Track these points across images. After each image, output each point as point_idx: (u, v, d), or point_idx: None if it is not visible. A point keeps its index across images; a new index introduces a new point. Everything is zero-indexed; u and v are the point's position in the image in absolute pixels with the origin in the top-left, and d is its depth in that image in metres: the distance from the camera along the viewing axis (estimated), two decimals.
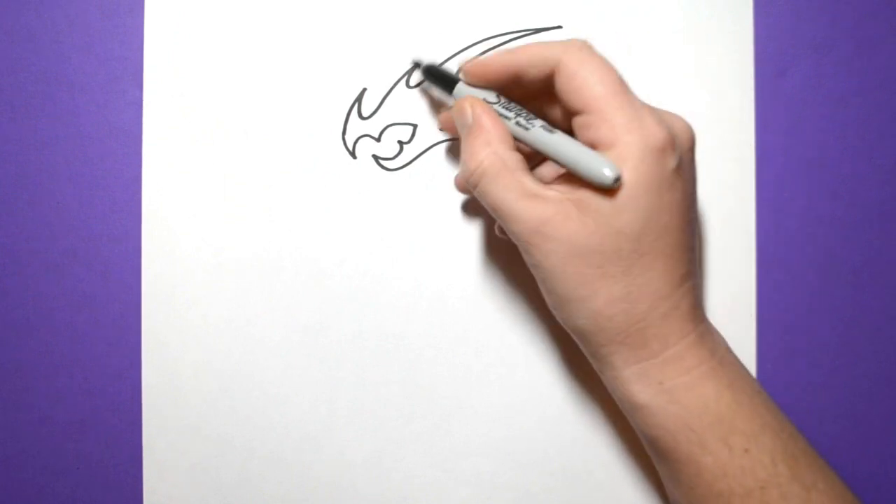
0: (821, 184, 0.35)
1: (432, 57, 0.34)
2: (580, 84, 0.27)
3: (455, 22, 0.34)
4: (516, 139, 0.29)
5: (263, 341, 0.35)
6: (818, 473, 0.28)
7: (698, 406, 0.27)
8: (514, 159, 0.28)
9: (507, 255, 0.35)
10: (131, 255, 0.35)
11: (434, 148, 0.35)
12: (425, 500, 0.35)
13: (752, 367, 0.35)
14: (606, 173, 0.25)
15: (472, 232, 0.35)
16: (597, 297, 0.27)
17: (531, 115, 0.29)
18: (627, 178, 0.26)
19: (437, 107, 0.34)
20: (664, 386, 0.27)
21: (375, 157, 0.35)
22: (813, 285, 0.35)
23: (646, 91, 0.34)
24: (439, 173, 0.35)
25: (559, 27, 0.34)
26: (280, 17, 0.34)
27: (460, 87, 0.31)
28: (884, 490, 0.35)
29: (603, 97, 0.26)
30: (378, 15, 0.34)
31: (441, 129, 0.34)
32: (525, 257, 0.29)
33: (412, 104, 0.35)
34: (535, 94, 0.30)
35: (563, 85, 0.27)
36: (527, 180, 0.27)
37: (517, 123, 0.28)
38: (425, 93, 0.34)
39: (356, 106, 0.35)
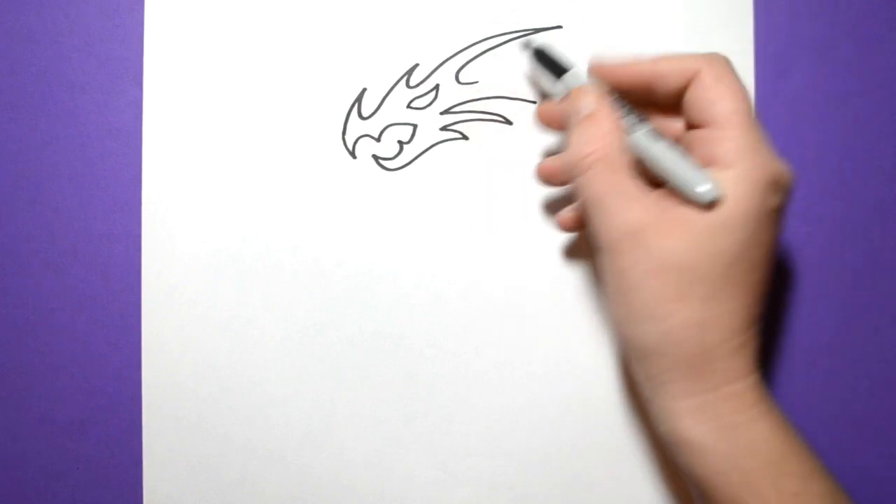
0: (821, 184, 0.35)
1: (543, 40, 0.32)
2: (714, 98, 0.26)
3: (455, 22, 0.34)
4: None
5: (263, 341, 0.35)
6: None
7: (751, 446, 0.26)
8: (625, 159, 0.27)
9: (507, 255, 0.35)
10: (131, 255, 0.35)
11: (434, 148, 0.35)
12: (425, 500, 0.35)
13: None
14: (701, 190, 0.25)
15: (471, 232, 0.35)
16: (674, 318, 0.26)
17: (643, 117, 0.28)
18: (737, 203, 0.25)
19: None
20: (720, 422, 0.26)
21: (375, 157, 0.35)
22: (813, 285, 0.35)
23: None
24: (439, 173, 0.35)
25: (559, 27, 0.34)
26: (280, 17, 0.34)
27: (570, 77, 0.30)
28: (884, 490, 0.35)
29: (733, 116, 0.26)
30: (378, 15, 0.34)
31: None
32: (606, 261, 0.28)
33: (412, 104, 0.35)
34: (653, 102, 0.30)
35: (696, 95, 0.27)
36: (633, 182, 0.27)
37: (629, 121, 0.28)
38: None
39: (356, 106, 0.35)
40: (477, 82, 0.34)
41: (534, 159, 0.34)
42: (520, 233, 0.35)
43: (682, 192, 0.26)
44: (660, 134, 0.28)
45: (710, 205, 0.25)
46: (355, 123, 0.35)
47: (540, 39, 0.32)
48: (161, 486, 0.35)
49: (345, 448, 0.35)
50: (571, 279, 0.34)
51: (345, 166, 0.35)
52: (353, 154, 0.35)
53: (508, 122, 0.34)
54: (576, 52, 0.34)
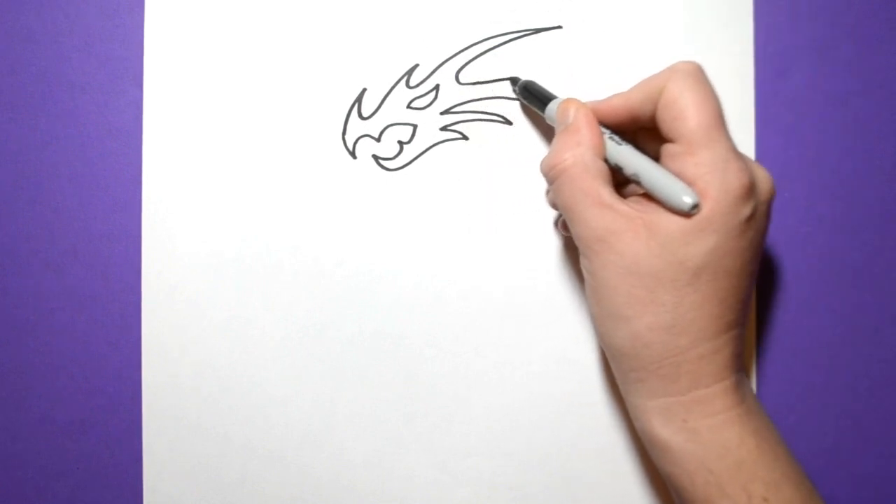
0: (821, 184, 0.35)
1: (529, 75, 0.34)
2: (677, 114, 0.27)
3: (455, 22, 0.34)
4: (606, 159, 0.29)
5: (263, 341, 0.35)
6: None
7: (719, 448, 0.27)
8: (598, 167, 0.28)
9: (507, 255, 0.35)
10: (131, 255, 0.35)
11: (434, 148, 0.35)
12: (425, 500, 0.35)
13: (752, 367, 0.35)
14: (686, 200, 0.25)
15: (471, 232, 0.35)
16: (641, 320, 0.27)
17: (623, 139, 0.29)
18: (701, 217, 0.26)
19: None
20: (687, 424, 0.27)
21: (375, 157, 0.35)
22: (813, 285, 0.35)
23: None
24: (439, 173, 0.35)
25: (559, 27, 0.34)
26: (280, 17, 0.34)
27: (553, 105, 0.31)
28: (884, 490, 0.35)
29: (695, 132, 0.26)
30: (378, 15, 0.34)
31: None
32: (582, 261, 0.29)
33: (412, 104, 0.35)
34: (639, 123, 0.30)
35: (662, 112, 0.27)
36: (604, 189, 0.27)
37: (610, 138, 0.29)
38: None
39: (356, 106, 0.35)
40: (477, 82, 0.34)
41: (534, 159, 0.34)
42: (520, 233, 0.35)
43: (665, 201, 0.26)
44: (640, 150, 0.29)
45: (690, 212, 0.26)
46: (355, 123, 0.35)
47: (525, 77, 0.34)
48: (161, 486, 0.35)
49: (345, 448, 0.35)
50: (571, 279, 0.34)
51: (345, 166, 0.35)
52: (353, 154, 0.35)
53: (508, 122, 0.34)
54: (576, 53, 0.34)
